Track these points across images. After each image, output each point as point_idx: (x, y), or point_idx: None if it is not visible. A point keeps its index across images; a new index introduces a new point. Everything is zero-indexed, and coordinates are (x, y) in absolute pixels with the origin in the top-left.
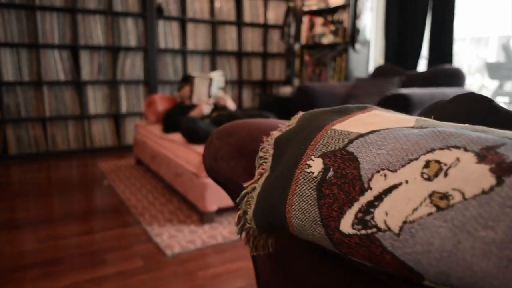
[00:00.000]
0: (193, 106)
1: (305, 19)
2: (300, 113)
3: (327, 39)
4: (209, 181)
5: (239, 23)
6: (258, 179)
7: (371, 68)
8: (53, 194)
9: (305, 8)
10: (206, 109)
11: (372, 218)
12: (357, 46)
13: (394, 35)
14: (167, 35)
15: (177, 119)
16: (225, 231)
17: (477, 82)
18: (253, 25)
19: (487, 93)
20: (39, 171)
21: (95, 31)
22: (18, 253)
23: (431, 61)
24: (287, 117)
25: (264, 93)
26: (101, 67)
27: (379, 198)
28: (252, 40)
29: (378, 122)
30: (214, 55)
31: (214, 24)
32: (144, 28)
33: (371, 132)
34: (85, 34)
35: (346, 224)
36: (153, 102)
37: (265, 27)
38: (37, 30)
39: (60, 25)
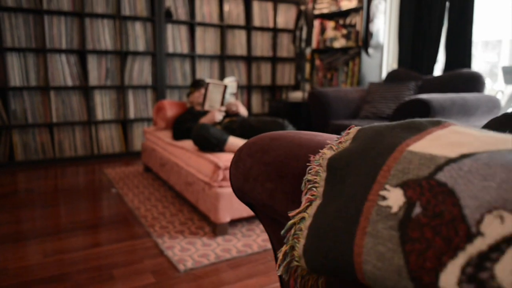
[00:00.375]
0: (204, 112)
1: (316, 23)
2: (355, 128)
3: (339, 43)
4: (222, 191)
5: (249, 27)
6: (307, 207)
7: (384, 73)
8: (60, 203)
9: (316, 12)
10: (219, 116)
11: (492, 277)
12: (370, 50)
13: (408, 39)
14: (175, 39)
15: (188, 125)
16: (239, 244)
17: (490, 87)
18: (262, 29)
19: (503, 98)
20: (46, 179)
21: (103, 35)
22: (22, 268)
23: (447, 66)
24: (298, 123)
25: (274, 98)
26: (108, 72)
27: (498, 249)
28: (262, 44)
29: (466, 142)
30: (223, 59)
31: (223, 28)
32: (153, 33)
33: (464, 156)
34: (92, 39)
35: (449, 281)
36: (162, 108)
37: (275, 31)
38: (45, 35)
39: (68, 30)
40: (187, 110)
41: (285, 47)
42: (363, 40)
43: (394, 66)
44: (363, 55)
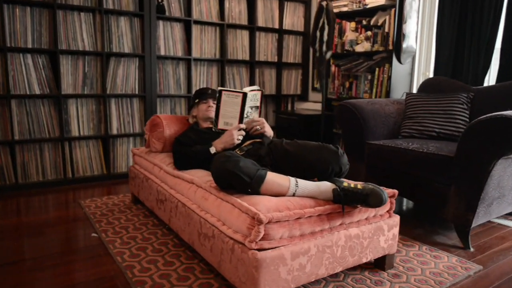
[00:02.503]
0: (214, 132)
1: None
2: None
3: (363, 47)
4: (264, 255)
5: (252, 27)
6: None
7: (415, 82)
8: (19, 263)
9: (334, 10)
10: (237, 136)
11: None
12: (404, 55)
13: (449, 42)
14: (168, 39)
15: (194, 149)
16: None
17: None
18: (267, 29)
19: None
20: (3, 215)
21: (79, 32)
22: None
23: (502, 75)
24: (314, 138)
25: (280, 109)
26: (86, 77)
27: None
28: (266, 48)
29: None
30: (223, 64)
31: (223, 27)
32: (141, 30)
33: None
34: (67, 36)
35: None
36: (158, 125)
37: (280, 32)
38: (4, 29)
39: (35, 24)
40: (190, 127)
41: (292, 51)
42: (395, 44)
43: (428, 74)
44: (394, 61)
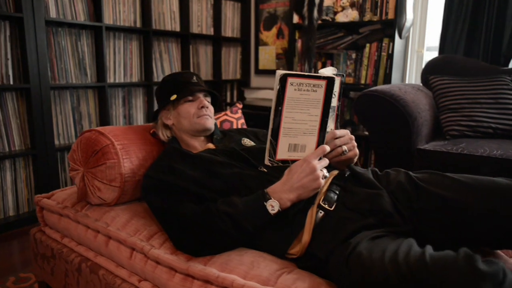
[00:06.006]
0: (222, 154)
1: None
2: None
3: (347, 16)
4: None
5: None
6: None
7: (409, 62)
8: None
9: None
10: (322, 170)
11: None
12: (405, 29)
13: (460, 14)
14: None
15: (223, 209)
16: None
17: None
18: None
19: None
20: None
21: None
22: None
23: None
24: None
25: (225, 101)
26: None
27: None
28: (200, 15)
29: None
30: (148, 36)
31: None
32: None
33: None
34: None
35: None
36: (105, 150)
37: None
38: None
39: None
40: (167, 150)
41: (230, 22)
42: (397, 12)
43: (423, 52)
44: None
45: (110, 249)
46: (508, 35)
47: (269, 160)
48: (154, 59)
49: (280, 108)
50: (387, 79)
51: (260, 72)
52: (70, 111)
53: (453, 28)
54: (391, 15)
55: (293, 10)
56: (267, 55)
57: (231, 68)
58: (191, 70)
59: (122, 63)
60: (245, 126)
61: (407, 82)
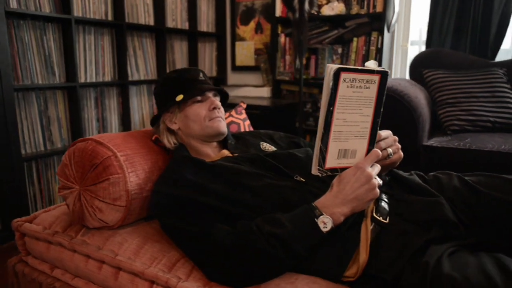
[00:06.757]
0: (242, 160)
1: None
2: None
3: (332, 9)
4: None
5: None
6: None
7: (394, 57)
8: None
9: None
10: (376, 178)
11: None
12: (394, 22)
13: (446, 7)
14: None
15: (268, 230)
16: None
17: None
18: None
19: None
20: None
21: None
22: None
23: None
24: None
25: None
26: None
27: None
28: (174, 8)
29: None
30: (121, 30)
31: None
32: None
33: None
34: None
35: None
36: (106, 164)
37: None
38: None
39: None
40: (175, 160)
41: (204, 16)
42: (385, 5)
43: (407, 46)
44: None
45: (122, 283)
46: (495, 27)
47: (318, 169)
48: (128, 56)
49: (331, 108)
50: None
51: (237, 68)
52: (37, 116)
53: (440, 21)
54: (379, 8)
55: (280, 2)
56: (245, 51)
57: (206, 65)
58: (167, 67)
59: (93, 60)
60: (251, 128)
61: (393, 77)
